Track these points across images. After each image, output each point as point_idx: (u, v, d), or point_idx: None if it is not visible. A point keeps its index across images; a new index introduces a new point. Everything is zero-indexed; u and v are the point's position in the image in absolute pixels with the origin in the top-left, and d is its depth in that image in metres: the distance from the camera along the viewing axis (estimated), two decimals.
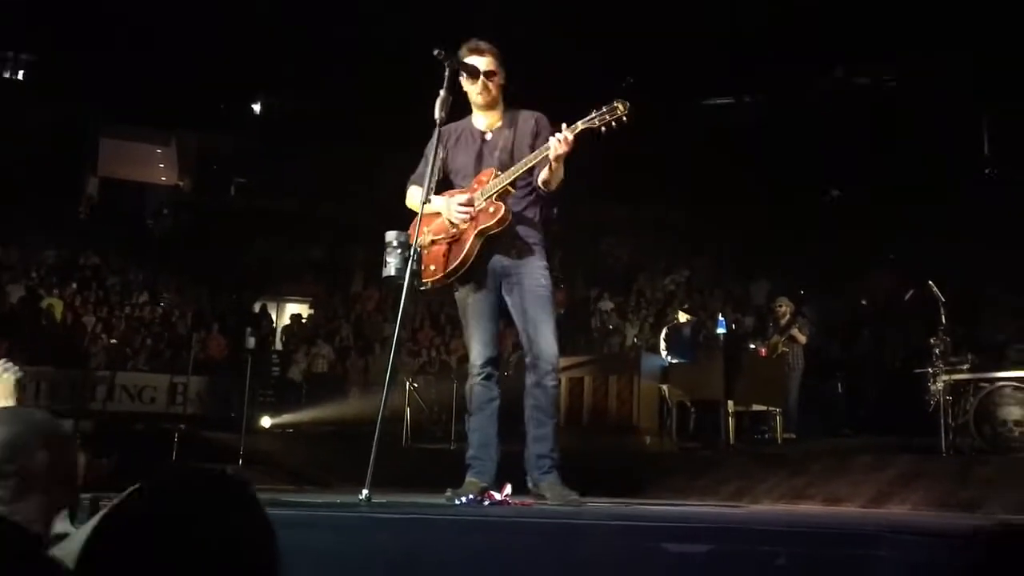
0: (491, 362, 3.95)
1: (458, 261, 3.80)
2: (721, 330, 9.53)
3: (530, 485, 3.93)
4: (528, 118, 4.01)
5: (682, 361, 9.53)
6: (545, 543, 2.55)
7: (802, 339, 10.03)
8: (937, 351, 7.26)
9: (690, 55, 13.29)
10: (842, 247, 13.12)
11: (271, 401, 13.00)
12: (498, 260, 3.90)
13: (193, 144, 20.99)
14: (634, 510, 3.96)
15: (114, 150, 20.60)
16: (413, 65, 4.63)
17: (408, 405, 11.10)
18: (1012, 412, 6.79)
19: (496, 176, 3.84)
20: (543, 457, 3.87)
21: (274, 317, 17.77)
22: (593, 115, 3.69)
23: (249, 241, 18.79)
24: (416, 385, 11.54)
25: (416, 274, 3.78)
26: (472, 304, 3.92)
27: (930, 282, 7.49)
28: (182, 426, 10.44)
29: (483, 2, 10.64)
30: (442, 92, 3.79)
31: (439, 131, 3.80)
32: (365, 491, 3.50)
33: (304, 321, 16.86)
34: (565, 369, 5.99)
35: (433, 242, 3.89)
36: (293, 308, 18.80)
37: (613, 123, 3.66)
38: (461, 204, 3.82)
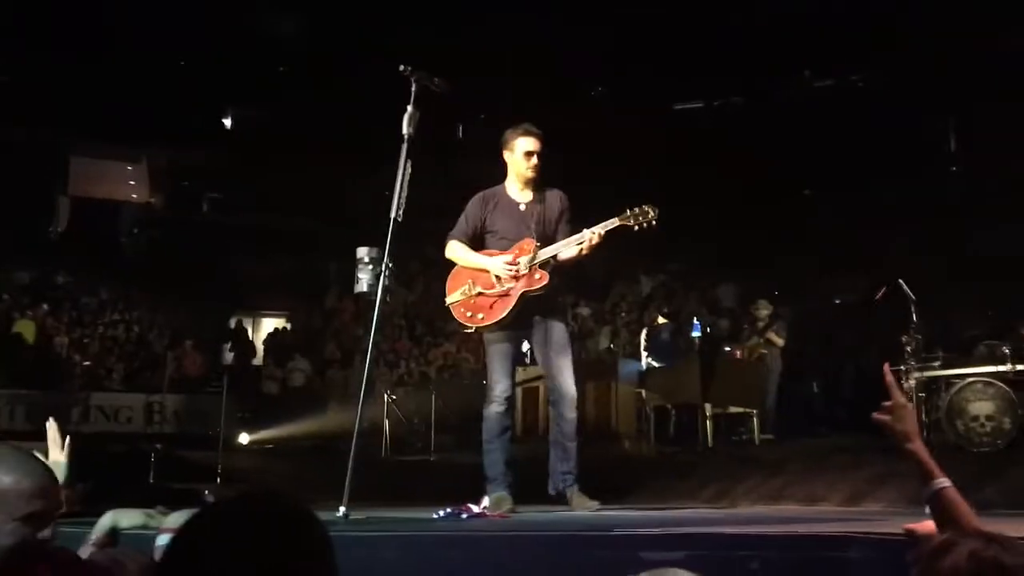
0: (511, 395, 4.64)
1: (504, 314, 4.49)
2: (696, 333, 9.59)
3: (551, 491, 4.57)
4: (555, 197, 4.72)
5: (661, 365, 9.58)
6: (521, 555, 2.58)
7: (779, 342, 10.08)
8: (909, 348, 7.33)
9: (661, 58, 13.34)
10: (812, 247, 13.19)
11: (249, 417, 12.86)
12: (529, 313, 4.54)
13: (163, 160, 20.77)
14: (611, 518, 4.00)
15: (85, 169, 20.36)
16: (384, 82, 4.69)
17: (387, 417, 11.07)
18: (982, 408, 6.88)
19: (537, 246, 4.49)
20: (567, 473, 4.53)
21: (250, 332, 17.66)
22: (627, 215, 4.44)
23: (222, 256, 18.66)
24: (395, 397, 11.50)
25: (388, 290, 4.02)
26: (502, 347, 4.60)
27: (900, 280, 7.56)
28: (159, 446, 10.30)
29: (452, 19, 10.66)
30: (409, 108, 4.02)
31: (405, 156, 4.01)
32: (343, 508, 3.53)
33: (278, 335, 16.76)
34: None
35: (481, 294, 4.54)
36: (269, 323, 18.69)
37: (644, 225, 4.42)
38: (507, 263, 4.49)
